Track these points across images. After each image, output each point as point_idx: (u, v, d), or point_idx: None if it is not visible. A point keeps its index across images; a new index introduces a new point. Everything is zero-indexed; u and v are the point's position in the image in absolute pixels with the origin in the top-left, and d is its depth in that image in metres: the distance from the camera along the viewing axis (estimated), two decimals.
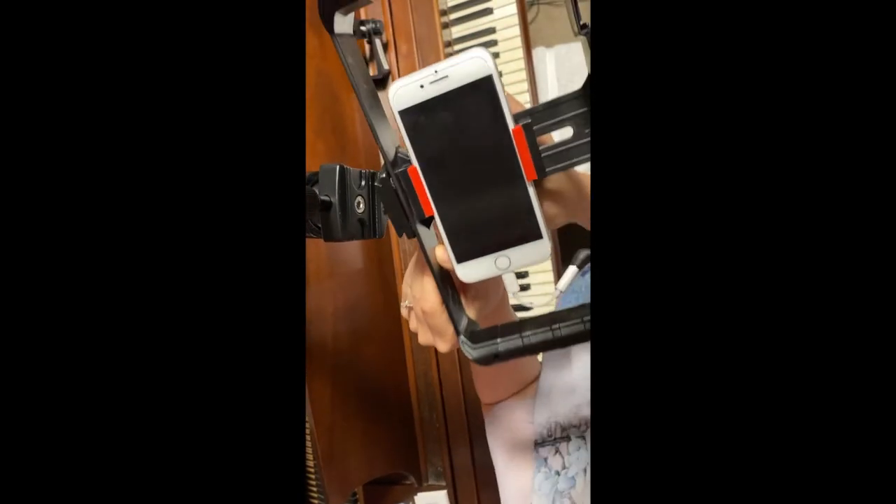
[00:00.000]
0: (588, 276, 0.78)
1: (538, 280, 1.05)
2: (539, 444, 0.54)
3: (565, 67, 1.22)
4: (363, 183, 0.39)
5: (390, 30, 0.95)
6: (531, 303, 1.05)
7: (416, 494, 0.96)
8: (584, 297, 0.69)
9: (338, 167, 0.37)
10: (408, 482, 0.97)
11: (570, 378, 0.55)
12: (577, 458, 0.50)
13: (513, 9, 1.06)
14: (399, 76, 1.01)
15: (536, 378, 0.63)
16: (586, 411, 0.51)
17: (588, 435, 0.50)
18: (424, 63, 0.97)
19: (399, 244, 0.97)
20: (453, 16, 1.08)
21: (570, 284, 0.83)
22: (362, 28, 0.88)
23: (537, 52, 1.22)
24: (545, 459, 0.53)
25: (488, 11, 1.07)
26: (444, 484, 0.96)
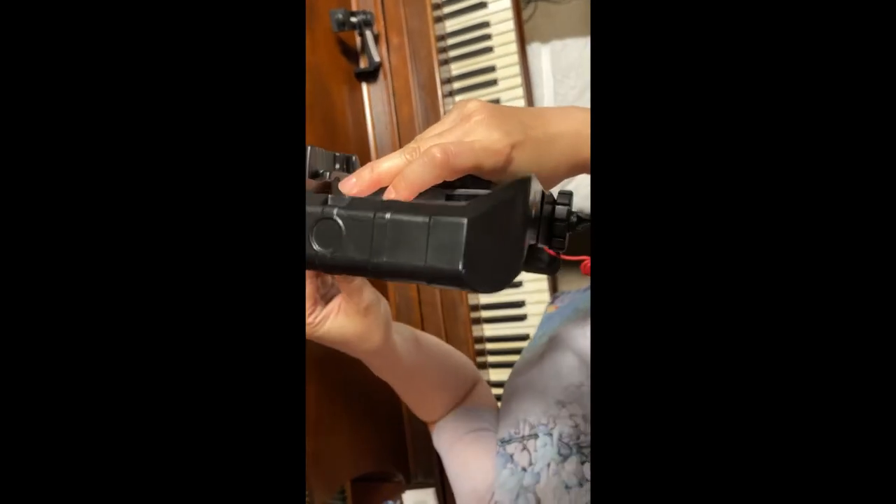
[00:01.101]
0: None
1: (529, 276, 1.04)
2: (506, 441, 0.54)
3: (561, 63, 1.21)
4: (337, 166, 0.38)
5: (381, 22, 0.94)
6: (524, 300, 1.05)
7: (404, 492, 0.95)
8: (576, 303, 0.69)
9: (309, 148, 0.36)
10: (396, 479, 0.96)
11: (542, 379, 0.56)
12: (543, 455, 0.51)
13: (507, 3, 1.05)
14: (390, 69, 1.01)
15: (475, 384, 0.64)
16: (555, 410, 0.52)
17: (555, 432, 0.51)
18: (416, 56, 0.96)
19: None
20: (447, 9, 1.07)
21: None
22: (353, 19, 0.87)
23: (532, 48, 1.21)
24: (511, 456, 0.53)
25: (482, 5, 1.06)
26: (432, 482, 0.95)
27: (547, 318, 0.71)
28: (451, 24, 1.07)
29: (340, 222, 0.27)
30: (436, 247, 0.24)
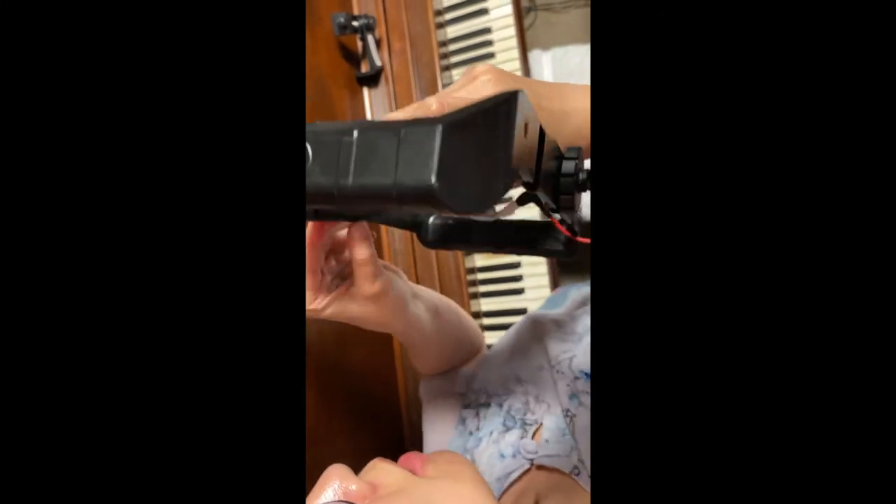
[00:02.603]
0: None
1: (532, 284, 1.03)
2: (465, 406, 0.58)
3: (562, 70, 1.21)
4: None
5: (383, 26, 0.94)
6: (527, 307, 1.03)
7: None
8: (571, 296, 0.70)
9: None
10: None
11: (510, 355, 0.60)
12: (488, 423, 0.54)
13: (509, 9, 1.05)
14: (392, 73, 1.01)
15: (478, 351, 0.68)
16: (513, 385, 0.56)
17: (505, 404, 0.54)
18: (418, 61, 0.96)
19: (388, 237, 0.96)
20: (448, 16, 1.07)
21: None
22: (354, 23, 0.87)
23: (534, 55, 1.21)
24: (464, 420, 0.57)
25: (484, 12, 1.06)
26: None
27: (548, 300, 0.75)
28: (452, 31, 1.07)
29: (308, 147, 0.24)
30: (406, 161, 0.21)
